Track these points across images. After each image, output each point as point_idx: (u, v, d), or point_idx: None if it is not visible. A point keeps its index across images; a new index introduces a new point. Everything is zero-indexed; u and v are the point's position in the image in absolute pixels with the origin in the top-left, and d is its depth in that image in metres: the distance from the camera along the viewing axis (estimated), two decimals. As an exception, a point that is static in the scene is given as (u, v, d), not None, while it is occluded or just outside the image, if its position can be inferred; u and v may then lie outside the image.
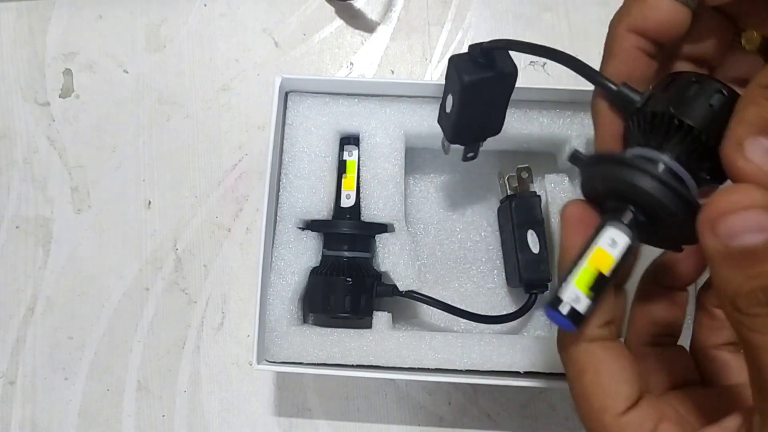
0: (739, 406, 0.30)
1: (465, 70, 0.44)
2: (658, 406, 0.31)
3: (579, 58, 0.34)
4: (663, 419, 0.30)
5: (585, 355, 0.32)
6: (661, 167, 0.30)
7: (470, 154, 0.53)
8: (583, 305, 0.30)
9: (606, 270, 0.30)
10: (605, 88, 0.33)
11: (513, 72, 0.45)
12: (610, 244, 0.30)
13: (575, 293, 0.30)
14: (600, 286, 0.30)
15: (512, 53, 0.44)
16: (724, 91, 0.30)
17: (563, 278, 0.31)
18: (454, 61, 0.45)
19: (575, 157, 0.34)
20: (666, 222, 0.30)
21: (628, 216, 0.31)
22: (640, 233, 0.31)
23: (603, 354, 0.32)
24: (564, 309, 0.30)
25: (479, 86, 0.44)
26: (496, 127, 0.50)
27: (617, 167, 0.30)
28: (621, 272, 0.31)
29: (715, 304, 0.37)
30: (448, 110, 0.47)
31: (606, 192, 0.32)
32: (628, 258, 0.31)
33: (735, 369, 0.36)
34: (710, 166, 0.30)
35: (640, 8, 0.33)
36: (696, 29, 0.35)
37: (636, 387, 0.31)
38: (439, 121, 0.51)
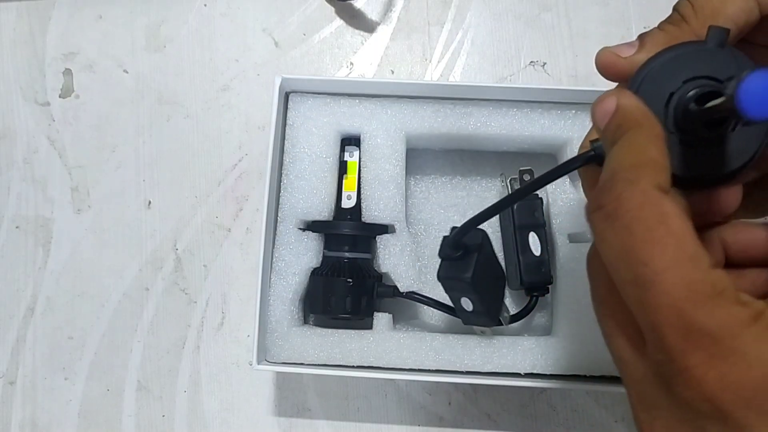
0: None
1: (456, 272, 0.46)
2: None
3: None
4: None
5: (662, 205, 0.26)
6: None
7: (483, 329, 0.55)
8: None
9: None
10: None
11: (482, 240, 0.47)
12: None
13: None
14: None
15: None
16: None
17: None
18: (443, 277, 0.47)
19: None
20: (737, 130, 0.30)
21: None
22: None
23: (679, 210, 0.26)
24: None
25: (478, 271, 0.46)
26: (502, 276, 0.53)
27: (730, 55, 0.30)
28: None
29: None
30: (470, 309, 0.49)
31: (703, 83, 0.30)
32: None
33: None
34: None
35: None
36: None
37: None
38: (465, 322, 0.52)
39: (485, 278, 0.47)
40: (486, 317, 0.49)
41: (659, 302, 0.25)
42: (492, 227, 0.60)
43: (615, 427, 0.58)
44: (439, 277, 0.47)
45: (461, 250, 0.46)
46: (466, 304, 0.48)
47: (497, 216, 0.59)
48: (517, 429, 0.59)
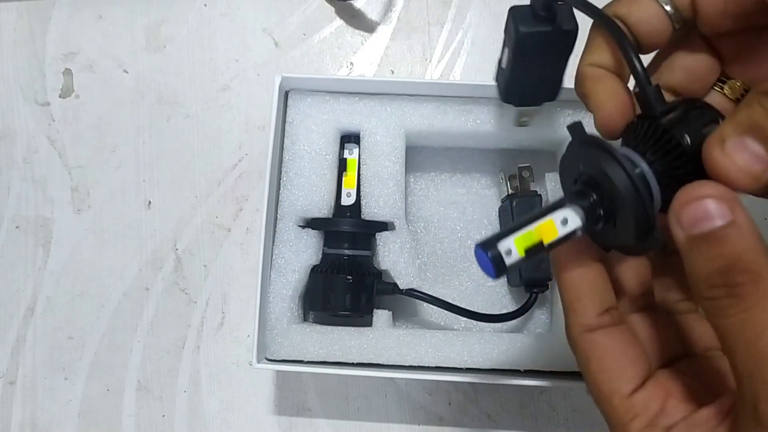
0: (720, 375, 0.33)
1: (522, 21, 0.42)
2: (664, 384, 0.32)
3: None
4: (669, 396, 0.32)
5: (588, 344, 0.33)
6: (637, 171, 0.31)
7: (524, 119, 0.51)
8: (511, 260, 0.31)
9: (546, 242, 0.31)
10: (640, 79, 0.33)
11: (573, 30, 0.42)
12: (562, 222, 0.31)
13: (510, 247, 0.31)
14: (534, 252, 0.31)
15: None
16: (720, 120, 0.31)
17: (506, 230, 0.31)
18: (513, 12, 0.42)
19: (575, 129, 0.34)
20: (618, 224, 0.32)
21: (588, 202, 0.32)
22: (590, 225, 0.32)
23: (606, 340, 0.33)
24: (492, 253, 0.30)
25: (535, 40, 0.42)
26: (552, 90, 0.48)
27: (605, 155, 0.31)
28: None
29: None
30: (503, 65, 0.45)
31: (581, 174, 0.33)
32: (567, 240, 0.32)
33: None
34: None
35: (630, 2, 0.35)
36: (685, 57, 0.37)
37: (642, 367, 0.33)
38: (495, 78, 0.48)
39: (535, 59, 0.43)
40: (507, 85, 0.45)
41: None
42: (491, 225, 0.60)
43: (616, 426, 0.58)
44: (511, 8, 0.42)
45: (548, 13, 0.41)
46: (504, 58, 0.44)
47: (497, 214, 0.59)
48: (517, 429, 0.59)
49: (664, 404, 0.32)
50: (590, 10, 0.35)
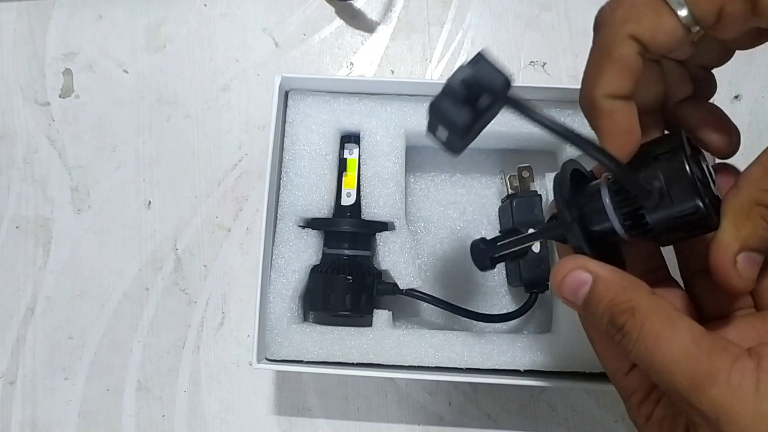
0: None
1: (455, 115, 0.35)
2: None
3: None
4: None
5: (590, 327, 0.39)
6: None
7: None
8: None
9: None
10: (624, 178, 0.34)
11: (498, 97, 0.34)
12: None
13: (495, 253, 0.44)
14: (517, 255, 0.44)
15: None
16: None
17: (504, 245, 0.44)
18: (436, 108, 0.35)
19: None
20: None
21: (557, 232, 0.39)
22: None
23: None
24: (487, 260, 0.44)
25: (473, 123, 0.36)
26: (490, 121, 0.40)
27: (560, 196, 0.36)
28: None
29: None
30: (442, 139, 0.38)
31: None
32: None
33: None
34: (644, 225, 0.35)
35: (651, 20, 0.33)
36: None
37: None
38: (429, 132, 0.39)
39: (476, 126, 0.36)
40: (451, 149, 0.38)
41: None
42: (491, 225, 0.60)
43: (615, 427, 0.58)
44: (432, 105, 0.35)
45: (472, 92, 0.34)
46: (441, 133, 0.37)
47: (497, 214, 0.59)
48: (517, 429, 0.59)
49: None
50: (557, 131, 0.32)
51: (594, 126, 0.35)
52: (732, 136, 0.38)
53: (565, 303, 0.34)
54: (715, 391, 0.29)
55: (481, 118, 0.35)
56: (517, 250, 0.43)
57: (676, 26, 0.32)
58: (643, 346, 0.31)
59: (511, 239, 0.44)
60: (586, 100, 0.35)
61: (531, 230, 0.43)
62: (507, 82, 0.33)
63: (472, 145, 0.58)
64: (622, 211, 0.35)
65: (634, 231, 0.35)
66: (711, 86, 0.40)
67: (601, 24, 0.34)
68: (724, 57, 0.38)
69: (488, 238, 0.46)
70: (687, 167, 0.33)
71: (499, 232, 0.59)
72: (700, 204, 0.32)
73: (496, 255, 0.44)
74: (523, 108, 0.31)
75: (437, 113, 0.35)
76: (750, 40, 0.35)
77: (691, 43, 0.34)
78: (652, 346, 0.31)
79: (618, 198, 0.35)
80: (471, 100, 0.34)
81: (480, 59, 0.33)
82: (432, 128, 0.37)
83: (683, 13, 0.32)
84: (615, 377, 0.37)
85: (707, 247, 0.33)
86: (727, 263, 0.32)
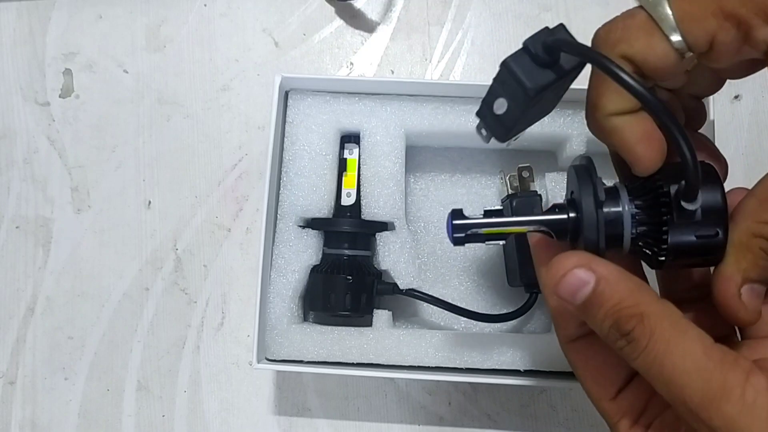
0: None
1: (526, 73, 0.36)
2: (646, 382, 0.33)
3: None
4: (654, 393, 0.33)
5: (572, 353, 0.37)
6: (607, 210, 0.34)
7: (515, 139, 0.51)
8: (472, 239, 0.37)
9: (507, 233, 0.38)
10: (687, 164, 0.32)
11: (579, 67, 0.37)
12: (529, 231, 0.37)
13: (477, 227, 0.37)
14: (493, 239, 0.38)
15: None
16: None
17: (484, 223, 0.38)
18: (509, 65, 0.37)
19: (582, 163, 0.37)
20: (578, 244, 0.35)
21: (560, 219, 0.36)
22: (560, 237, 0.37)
23: (587, 348, 0.36)
24: (458, 221, 0.37)
25: (543, 90, 0.37)
26: (549, 111, 0.44)
27: (585, 185, 0.34)
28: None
29: None
30: (498, 112, 0.40)
31: (571, 191, 0.37)
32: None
33: None
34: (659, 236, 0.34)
35: (643, 42, 0.33)
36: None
37: (623, 369, 0.35)
38: (479, 114, 0.42)
39: (540, 102, 0.38)
40: (502, 129, 0.40)
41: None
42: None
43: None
44: (505, 62, 0.36)
45: (550, 59, 0.35)
46: (499, 106, 0.39)
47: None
48: (517, 429, 0.59)
49: (648, 401, 0.35)
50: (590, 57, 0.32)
51: (609, 147, 0.36)
52: (723, 167, 0.38)
53: (560, 300, 0.32)
54: (729, 408, 0.28)
55: (559, 80, 0.35)
56: (497, 233, 0.39)
57: (668, 51, 0.32)
58: (652, 355, 0.30)
59: (499, 219, 0.39)
60: (594, 125, 0.35)
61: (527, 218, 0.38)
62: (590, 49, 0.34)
63: (472, 145, 0.58)
64: (642, 222, 0.34)
65: (638, 242, 0.34)
66: (701, 116, 0.40)
67: (595, 46, 0.34)
68: (716, 86, 0.38)
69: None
70: (721, 193, 0.33)
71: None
72: (720, 232, 0.33)
73: (476, 232, 0.39)
74: (613, 67, 0.31)
75: (510, 71, 0.36)
76: (742, 71, 0.36)
77: (684, 72, 0.34)
78: (662, 356, 0.29)
79: (638, 209, 0.34)
80: (549, 63, 0.34)
81: (561, 28, 0.34)
82: (488, 102, 0.38)
83: (676, 38, 0.32)
84: (601, 402, 0.36)
85: (693, 275, 0.35)
86: (732, 296, 0.32)
